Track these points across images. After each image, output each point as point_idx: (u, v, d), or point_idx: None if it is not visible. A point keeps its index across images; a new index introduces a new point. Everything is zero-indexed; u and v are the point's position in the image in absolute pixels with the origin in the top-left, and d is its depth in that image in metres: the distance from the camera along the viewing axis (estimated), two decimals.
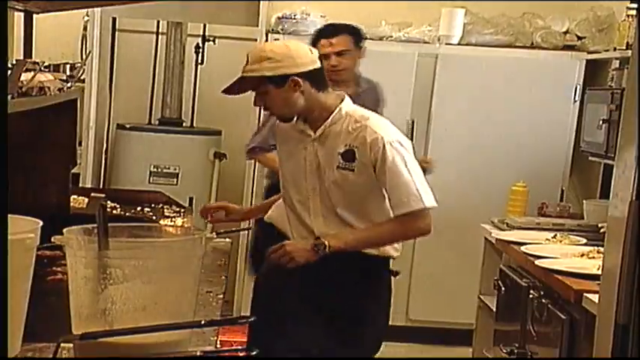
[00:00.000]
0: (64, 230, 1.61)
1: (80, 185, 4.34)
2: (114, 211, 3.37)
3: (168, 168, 4.69)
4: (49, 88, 2.48)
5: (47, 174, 2.82)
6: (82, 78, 4.69)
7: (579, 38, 4.82)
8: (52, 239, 1.60)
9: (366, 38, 3.97)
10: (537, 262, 2.99)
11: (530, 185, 4.27)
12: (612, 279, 2.05)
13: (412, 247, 4.76)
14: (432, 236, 4.63)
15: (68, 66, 3.02)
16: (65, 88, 2.74)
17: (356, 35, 3.81)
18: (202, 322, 1.47)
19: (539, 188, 4.38)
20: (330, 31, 3.80)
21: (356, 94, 3.40)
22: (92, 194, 2.03)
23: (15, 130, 1.99)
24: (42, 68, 3.01)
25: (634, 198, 2.00)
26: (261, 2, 4.97)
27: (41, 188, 2.80)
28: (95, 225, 1.58)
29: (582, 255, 3.09)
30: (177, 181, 4.67)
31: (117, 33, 5.09)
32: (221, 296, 2.30)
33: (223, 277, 2.52)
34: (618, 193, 2.09)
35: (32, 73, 2.57)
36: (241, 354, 1.31)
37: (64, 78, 2.85)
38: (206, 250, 1.73)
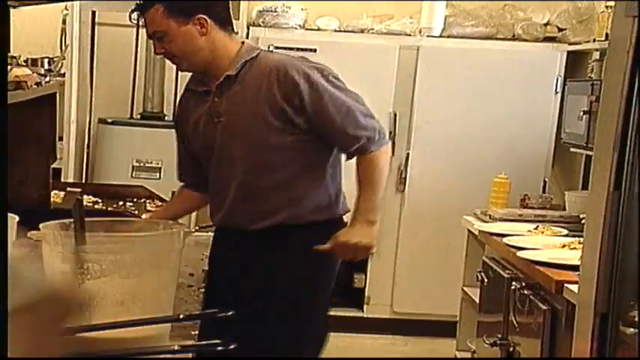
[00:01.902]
0: (41, 225, 1.60)
1: (62, 180, 4.32)
2: (95, 206, 3.36)
3: (151, 162, 4.67)
4: (26, 82, 2.46)
5: (27, 169, 2.81)
6: (61, 72, 4.70)
7: (560, 30, 4.83)
8: (29, 235, 1.59)
9: (197, 5, 2.55)
10: (519, 253, 3.01)
11: (513, 177, 4.29)
12: (591, 269, 2.06)
13: (396, 239, 4.77)
14: (415, 228, 4.74)
15: (46, 60, 3.01)
16: (43, 83, 2.72)
17: (169, 4, 2.52)
18: (181, 317, 1.47)
19: (521, 180, 4.40)
20: (141, 6, 2.57)
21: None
22: (68, 189, 2.02)
23: None
24: (19, 62, 3.01)
25: (612, 189, 2.02)
26: None
27: (21, 183, 2.79)
28: (73, 220, 1.57)
29: (564, 246, 3.10)
30: (160, 175, 4.65)
31: (96, 27, 5.05)
32: (202, 290, 2.30)
33: (204, 272, 2.51)
34: (596, 185, 2.11)
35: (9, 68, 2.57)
36: (219, 348, 1.30)
37: (42, 72, 2.84)
38: (185, 243, 1.72)
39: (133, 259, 1.51)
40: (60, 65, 3.12)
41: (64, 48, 4.78)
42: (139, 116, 4.93)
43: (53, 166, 4.44)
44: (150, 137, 4.75)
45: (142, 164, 4.67)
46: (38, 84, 2.65)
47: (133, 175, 4.62)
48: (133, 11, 2.60)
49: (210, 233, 3.03)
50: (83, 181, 4.69)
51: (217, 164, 2.60)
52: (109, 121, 4.78)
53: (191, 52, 2.51)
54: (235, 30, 4.75)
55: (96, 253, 1.50)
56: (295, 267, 2.53)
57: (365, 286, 4.82)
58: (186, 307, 2.06)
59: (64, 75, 4.65)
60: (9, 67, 2.54)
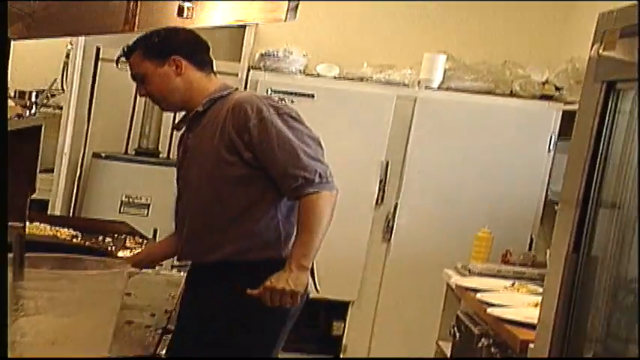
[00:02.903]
0: None
1: (49, 212, 4.34)
2: (74, 240, 3.36)
3: (140, 199, 4.69)
4: None
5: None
6: (60, 105, 4.75)
7: (557, 89, 4.85)
8: None
9: (168, 45, 2.69)
10: (488, 310, 2.99)
11: (500, 232, 4.28)
12: (546, 331, 2.05)
13: (378, 288, 4.76)
14: (398, 278, 4.73)
15: (34, 93, 3.04)
16: (26, 115, 2.75)
17: (146, 48, 2.69)
18: (109, 358, 1.46)
19: (508, 235, 4.39)
20: (126, 52, 2.77)
21: None
22: (10, 223, 2.04)
23: None
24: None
25: (571, 251, 2.01)
26: (245, 38, 5.00)
27: None
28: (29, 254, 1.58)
29: (536, 305, 3.06)
30: (147, 212, 4.66)
31: (100, 62, 5.10)
32: (159, 331, 2.28)
33: (167, 312, 2.50)
34: (557, 246, 2.10)
35: None
36: None
37: (27, 104, 2.87)
38: (155, 282, 1.72)
39: (70, 297, 1.51)
40: (46, 98, 3.16)
41: (65, 82, 4.84)
42: (133, 152, 4.96)
43: (42, 198, 4.49)
44: (142, 173, 4.77)
45: (131, 200, 4.69)
46: (19, 116, 2.67)
47: (122, 210, 4.63)
48: (119, 57, 2.79)
49: (182, 273, 3.05)
50: (70, 214, 4.71)
51: (181, 199, 2.72)
52: (103, 155, 4.81)
53: (168, 92, 2.66)
54: (234, 72, 4.84)
55: (33, 289, 1.50)
56: (234, 306, 2.52)
57: (343, 334, 4.80)
58: (137, 347, 2.04)
59: (61, 108, 4.70)
60: None
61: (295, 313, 2.64)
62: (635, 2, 1.85)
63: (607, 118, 1.98)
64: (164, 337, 2.36)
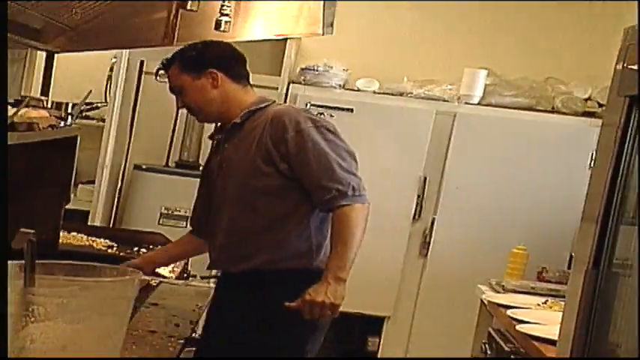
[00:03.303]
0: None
1: (89, 223, 4.41)
2: (109, 250, 3.42)
3: (179, 210, 4.74)
4: (37, 124, 2.54)
5: (37, 210, 2.87)
6: (103, 117, 4.83)
7: (600, 105, 4.79)
8: None
9: (204, 58, 2.73)
10: (518, 327, 2.95)
11: (537, 249, 4.23)
12: (566, 347, 2.02)
13: (414, 304, 4.74)
14: (434, 294, 4.69)
15: (70, 105, 3.09)
16: (60, 126, 2.80)
17: (183, 61, 2.74)
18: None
19: (545, 253, 4.33)
20: (164, 65, 2.83)
21: None
22: (21, 229, 2.10)
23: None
24: (45, 105, 3.11)
25: (590, 267, 1.99)
26: (286, 52, 5.04)
27: (30, 224, 2.84)
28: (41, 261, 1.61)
29: None
30: (186, 224, 4.68)
31: (143, 75, 5.18)
32: (182, 341, 2.30)
33: (192, 322, 2.52)
34: (578, 263, 2.07)
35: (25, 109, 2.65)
36: None
37: (62, 115, 2.92)
38: (182, 293, 1.74)
39: (79, 304, 1.53)
40: (84, 110, 3.21)
41: (109, 94, 4.92)
42: (174, 164, 5.02)
43: (83, 209, 4.57)
44: (182, 185, 4.81)
45: (170, 212, 4.74)
46: (52, 126, 2.73)
47: (160, 222, 4.69)
48: (158, 70, 2.86)
49: (211, 284, 3.07)
50: (110, 225, 4.78)
51: (216, 209, 2.73)
52: (144, 167, 4.87)
53: (204, 104, 2.72)
54: (274, 86, 4.87)
55: (42, 295, 1.53)
56: (263, 315, 2.56)
57: (378, 350, 4.78)
58: (154, 356, 2.06)
59: (104, 121, 4.78)
60: (24, 108, 2.63)
61: (326, 324, 2.66)
62: None
63: (629, 133, 1.96)
64: (186, 349, 2.38)
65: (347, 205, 2.51)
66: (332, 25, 3.75)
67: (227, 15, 3.40)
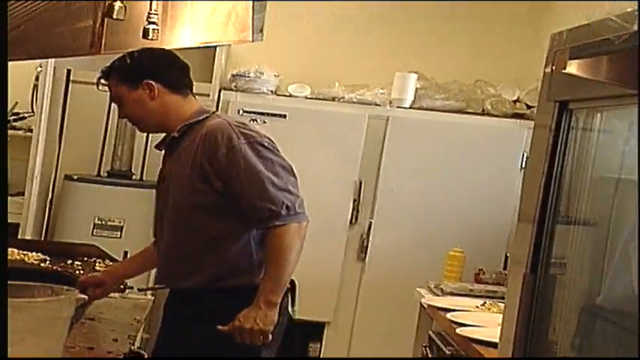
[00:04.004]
0: None
1: (19, 237, 4.31)
2: (42, 264, 3.34)
3: (113, 221, 4.66)
4: None
5: None
6: (30, 128, 4.72)
7: (529, 107, 4.87)
8: None
9: (140, 68, 2.69)
10: (458, 330, 2.98)
11: (473, 251, 4.28)
12: (506, 351, 2.04)
13: (354, 308, 4.74)
14: (374, 298, 4.70)
15: None
16: None
17: (120, 71, 2.69)
18: None
19: (482, 254, 4.38)
20: (104, 74, 2.77)
21: None
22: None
23: None
24: None
25: (528, 271, 2.01)
26: (216, 59, 5.00)
27: None
28: None
29: None
30: (121, 235, 4.64)
31: (70, 84, 5.09)
32: (121, 356, 2.26)
33: (129, 337, 2.48)
34: (515, 264, 2.09)
35: None
36: None
37: None
38: (118, 306, 1.70)
39: (14, 326, 1.48)
40: (11, 121, 3.15)
41: (35, 104, 4.82)
42: (106, 174, 4.93)
43: (12, 221, 4.45)
44: (115, 195, 4.75)
45: (103, 222, 4.66)
46: None
47: (94, 233, 4.61)
48: (99, 79, 2.79)
49: (149, 296, 3.03)
50: (42, 238, 4.67)
51: (159, 223, 2.70)
52: (75, 177, 4.78)
53: (143, 116, 2.67)
54: (206, 93, 4.84)
55: None
56: (206, 333, 2.51)
57: (319, 355, 4.77)
58: None
59: (32, 131, 4.68)
60: None
61: (272, 342, 2.60)
62: (585, 24, 1.86)
63: (561, 135, 1.99)
64: None
65: (281, 226, 2.47)
66: (262, 30, 3.73)
67: (154, 23, 3.36)
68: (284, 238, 2.46)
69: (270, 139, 2.61)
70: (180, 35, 3.78)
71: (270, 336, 2.49)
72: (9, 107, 3.57)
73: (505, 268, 4.53)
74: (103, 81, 2.77)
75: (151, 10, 3.32)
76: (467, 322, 3.09)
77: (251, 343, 2.46)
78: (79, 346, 2.27)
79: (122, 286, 3.25)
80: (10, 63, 4.32)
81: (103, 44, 3.75)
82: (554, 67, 1.99)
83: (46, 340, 1.55)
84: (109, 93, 2.76)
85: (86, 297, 2.16)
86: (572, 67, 1.89)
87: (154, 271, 4.58)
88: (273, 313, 2.46)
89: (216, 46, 4.77)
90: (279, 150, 2.63)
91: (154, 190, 4.67)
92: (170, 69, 2.71)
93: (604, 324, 1.89)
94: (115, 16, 3.15)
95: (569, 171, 1.97)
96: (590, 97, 1.86)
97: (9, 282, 1.69)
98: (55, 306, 1.59)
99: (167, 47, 3.59)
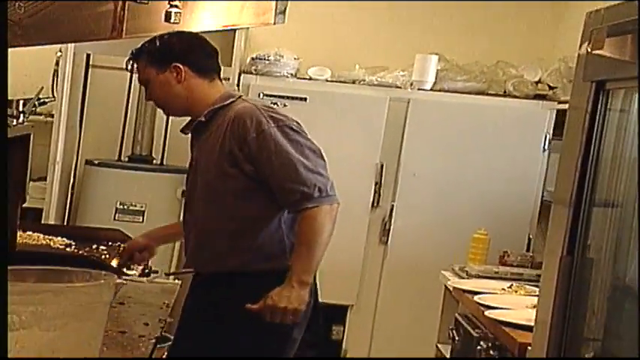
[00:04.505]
0: None
1: (43, 222, 4.32)
2: (67, 249, 3.34)
3: (135, 205, 4.66)
4: None
5: None
6: (51, 113, 4.72)
7: (551, 88, 4.83)
8: None
9: (169, 51, 2.70)
10: (487, 312, 2.97)
11: (497, 233, 4.26)
12: (543, 334, 2.02)
13: (376, 292, 4.74)
14: (396, 281, 4.70)
15: (21, 102, 3.02)
16: (13, 124, 2.73)
17: (149, 53, 2.71)
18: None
19: (505, 236, 4.36)
20: (134, 55, 2.79)
21: None
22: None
23: None
24: None
25: (565, 253, 1.99)
26: (236, 42, 4.98)
27: None
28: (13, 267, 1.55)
29: (534, 306, 3.04)
30: (143, 219, 4.64)
31: (90, 69, 5.08)
32: (153, 340, 2.26)
33: (161, 321, 2.48)
34: (551, 248, 2.08)
35: None
36: None
37: (14, 114, 2.85)
38: (147, 290, 1.69)
39: (56, 310, 1.48)
40: (34, 107, 3.14)
41: (56, 89, 4.81)
42: (126, 159, 4.93)
43: (35, 206, 4.47)
44: (136, 180, 4.75)
45: (125, 207, 4.66)
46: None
47: (116, 217, 4.61)
48: (128, 60, 2.79)
49: (177, 281, 3.03)
50: (65, 222, 4.68)
51: (187, 208, 2.73)
52: (96, 162, 4.78)
53: (169, 99, 2.68)
54: (226, 76, 4.84)
55: (16, 304, 1.47)
56: (236, 317, 2.52)
57: (343, 339, 4.77)
58: (127, 357, 2.02)
59: (52, 116, 4.67)
60: None
61: (302, 322, 2.64)
62: (622, 1, 1.83)
63: (597, 116, 1.96)
64: (158, 346, 2.34)
65: (313, 207, 2.47)
66: (284, 12, 3.72)
67: (176, 6, 3.35)
68: (316, 220, 2.46)
69: (298, 122, 2.61)
70: (201, 18, 3.76)
71: (300, 316, 2.51)
72: (34, 93, 3.57)
73: (528, 250, 4.52)
74: (130, 63, 2.79)
75: None
76: (494, 305, 3.08)
77: (282, 321, 2.48)
78: (111, 330, 2.27)
79: (147, 270, 3.26)
80: (30, 48, 4.33)
81: (124, 28, 3.74)
82: (590, 47, 1.96)
83: (88, 324, 1.54)
84: (136, 75, 2.79)
85: (124, 281, 2.16)
86: (610, 47, 1.86)
87: (175, 256, 4.66)
88: (305, 292, 2.47)
89: (235, 30, 4.75)
90: (307, 133, 2.62)
91: (175, 175, 4.79)
92: (198, 53, 2.71)
93: (632, 303, 1.87)
94: (139, 1, 3.15)
95: (605, 153, 1.95)
96: (628, 76, 1.83)
97: (42, 267, 1.69)
98: (95, 290, 1.59)
99: (189, 30, 3.59)
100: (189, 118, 2.75)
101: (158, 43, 2.65)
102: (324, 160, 2.58)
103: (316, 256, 2.48)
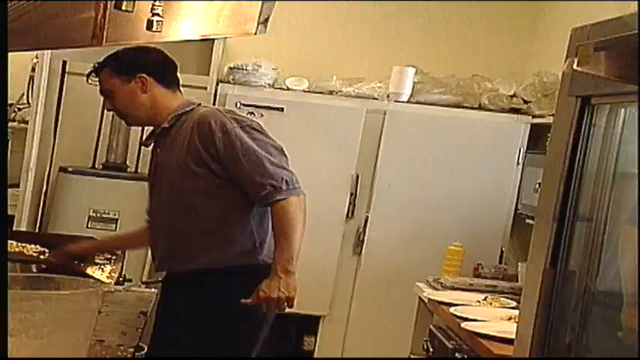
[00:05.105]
0: None
1: (15, 228, 4.27)
2: (41, 256, 3.31)
3: (108, 213, 4.63)
4: None
5: None
6: (25, 119, 4.68)
7: (525, 102, 4.87)
8: None
9: (136, 63, 2.78)
10: (463, 324, 2.98)
11: (470, 245, 4.28)
12: (524, 346, 2.04)
13: (349, 302, 4.74)
14: (369, 292, 4.70)
15: None
16: None
17: (114, 65, 2.79)
18: None
19: (478, 249, 4.39)
20: (96, 68, 2.88)
21: None
22: None
23: None
24: None
25: (548, 266, 2.01)
26: (214, 51, 4.98)
27: None
28: None
29: (510, 318, 3.07)
30: (116, 227, 4.60)
31: (66, 76, 5.04)
32: (131, 349, 2.25)
33: (139, 330, 2.46)
34: (533, 261, 2.09)
35: None
36: None
37: None
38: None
39: (44, 318, 1.47)
40: (13, 114, 3.11)
41: (31, 96, 4.77)
42: (101, 166, 4.89)
43: (8, 213, 4.41)
44: (110, 188, 4.71)
45: (98, 215, 4.63)
46: None
47: (89, 225, 4.56)
48: (89, 73, 2.93)
49: (153, 289, 3.01)
50: (37, 230, 4.63)
51: (155, 212, 2.83)
52: (70, 170, 4.74)
53: (133, 108, 2.79)
54: (203, 85, 4.83)
55: None
56: (213, 314, 2.61)
57: (314, 349, 4.76)
58: None
59: (27, 122, 4.63)
60: None
61: (271, 318, 2.74)
62: (609, 20, 1.85)
63: (582, 132, 1.98)
64: (136, 355, 2.33)
65: (283, 200, 2.59)
66: (266, 23, 3.72)
67: (159, 14, 3.34)
68: (288, 211, 2.58)
69: (258, 123, 2.75)
70: (182, 27, 3.76)
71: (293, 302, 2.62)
72: (14, 100, 3.55)
73: (501, 262, 4.55)
74: (92, 75, 2.90)
75: (155, 2, 3.32)
76: (471, 317, 3.09)
77: (279, 311, 2.60)
78: (89, 339, 2.24)
79: (122, 279, 3.24)
80: (9, 54, 4.29)
81: (104, 36, 3.72)
82: (576, 63, 1.98)
83: (75, 332, 1.53)
84: (98, 87, 2.88)
85: (112, 289, 2.16)
86: (596, 63, 1.88)
87: (148, 264, 4.63)
88: (292, 280, 2.58)
89: (214, 39, 4.75)
90: (268, 132, 2.76)
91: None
92: (162, 65, 2.83)
93: (610, 315, 1.90)
94: (124, 8, 3.14)
95: (589, 168, 1.97)
96: (614, 92, 1.85)
97: (29, 274, 1.67)
98: (84, 298, 1.57)
99: (168, 40, 3.59)
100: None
101: (124, 55, 2.76)
102: (286, 157, 2.71)
103: (295, 244, 2.58)
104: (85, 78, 5.02)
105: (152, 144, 2.86)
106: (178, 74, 2.89)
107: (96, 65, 2.86)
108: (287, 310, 2.64)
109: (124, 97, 2.76)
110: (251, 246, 2.68)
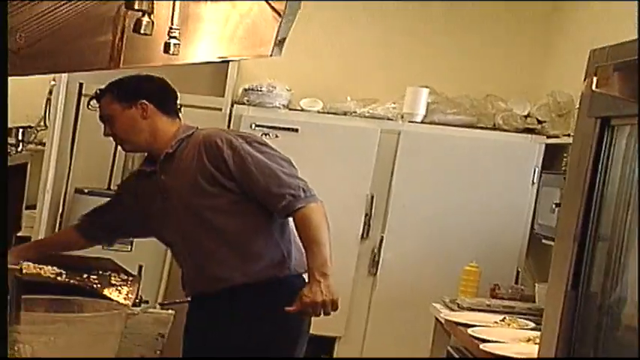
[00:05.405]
0: None
1: None
2: (58, 278, 3.31)
3: None
4: None
5: None
6: (42, 141, 4.70)
7: (540, 122, 4.87)
8: None
9: (137, 89, 2.85)
10: (482, 346, 2.97)
11: (486, 266, 4.27)
12: None
13: (365, 323, 4.72)
14: (385, 313, 4.68)
15: (21, 130, 3.01)
16: (12, 153, 2.72)
17: (116, 91, 2.85)
18: None
19: (494, 269, 4.37)
20: (98, 94, 2.96)
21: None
22: (9, 265, 2.06)
23: None
24: None
25: (569, 288, 2.00)
26: (229, 73, 5.00)
27: None
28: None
29: (528, 340, 3.06)
30: (131, 248, 4.61)
31: (83, 98, 5.06)
32: None
33: (158, 352, 2.46)
34: (554, 282, 2.09)
35: None
36: None
37: (14, 142, 2.84)
38: (142, 321, 1.68)
39: (68, 341, 1.47)
40: (33, 136, 3.14)
41: (48, 118, 4.79)
42: (116, 187, 4.90)
43: (24, 234, 4.43)
44: None
45: None
46: None
47: (104, 246, 4.56)
48: (91, 98, 2.98)
49: (170, 311, 3.02)
50: None
51: (174, 240, 2.82)
52: (86, 191, 4.76)
53: (133, 134, 2.81)
54: (218, 107, 4.85)
55: (28, 333, 1.46)
56: (251, 330, 2.62)
57: None
58: None
59: (44, 144, 4.65)
60: None
61: (308, 327, 2.79)
62: (629, 41, 1.86)
63: (602, 153, 1.98)
64: None
65: (303, 207, 2.62)
66: (281, 45, 3.73)
67: (176, 37, 3.36)
68: (311, 217, 2.61)
69: (262, 138, 2.84)
70: (199, 49, 3.78)
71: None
72: (23, 122, 3.56)
73: (517, 282, 4.53)
74: (93, 101, 2.95)
75: (172, 24, 3.33)
76: (489, 338, 3.08)
77: (325, 314, 2.61)
78: None
79: (138, 300, 3.24)
80: (26, 77, 4.33)
81: (121, 59, 3.75)
82: (595, 84, 1.98)
83: (99, 355, 1.53)
84: (98, 113, 2.94)
85: (135, 311, 2.17)
86: (615, 83, 1.88)
87: (163, 286, 4.61)
88: (331, 282, 2.61)
89: (229, 61, 4.77)
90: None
91: None
92: (164, 93, 2.88)
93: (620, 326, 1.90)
94: (142, 31, 3.16)
95: (610, 188, 1.97)
96: (634, 113, 1.85)
97: (51, 297, 1.68)
98: (107, 320, 1.58)
99: (186, 62, 3.62)
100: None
101: (127, 82, 2.80)
102: (295, 168, 2.74)
103: (326, 248, 2.60)
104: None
105: (153, 170, 2.85)
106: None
107: (97, 92, 2.91)
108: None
109: (124, 123, 2.79)
110: (280, 257, 2.69)
